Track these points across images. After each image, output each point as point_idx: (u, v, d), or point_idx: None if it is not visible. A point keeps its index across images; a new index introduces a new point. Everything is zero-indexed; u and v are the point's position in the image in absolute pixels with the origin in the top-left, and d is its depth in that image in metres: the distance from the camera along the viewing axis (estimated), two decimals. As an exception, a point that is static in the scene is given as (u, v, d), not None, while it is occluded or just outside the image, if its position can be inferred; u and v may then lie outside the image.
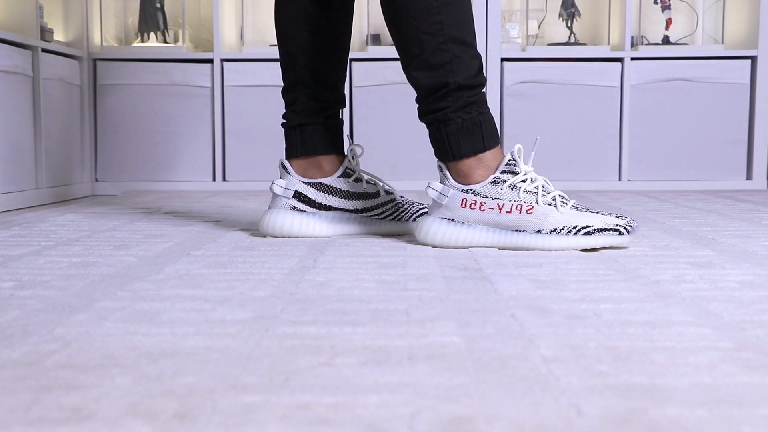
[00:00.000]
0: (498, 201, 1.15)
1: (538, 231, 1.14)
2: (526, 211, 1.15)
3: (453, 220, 1.17)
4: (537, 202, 1.15)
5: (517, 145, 1.18)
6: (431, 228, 1.18)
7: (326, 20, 1.32)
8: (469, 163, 1.17)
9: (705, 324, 0.69)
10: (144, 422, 0.46)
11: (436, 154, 1.21)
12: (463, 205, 1.16)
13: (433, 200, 1.20)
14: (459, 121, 1.17)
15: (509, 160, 1.17)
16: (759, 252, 1.12)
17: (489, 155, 1.18)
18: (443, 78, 1.18)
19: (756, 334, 0.66)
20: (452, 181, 1.18)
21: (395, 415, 0.47)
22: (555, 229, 1.14)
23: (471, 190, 1.16)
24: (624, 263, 1.02)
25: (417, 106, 1.23)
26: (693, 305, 0.77)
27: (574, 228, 1.14)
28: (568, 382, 0.53)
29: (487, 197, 1.16)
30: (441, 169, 1.20)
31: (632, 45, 2.59)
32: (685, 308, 0.76)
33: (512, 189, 1.15)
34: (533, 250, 1.14)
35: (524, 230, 1.15)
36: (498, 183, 1.16)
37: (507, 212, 1.15)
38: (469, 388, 0.52)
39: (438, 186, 1.19)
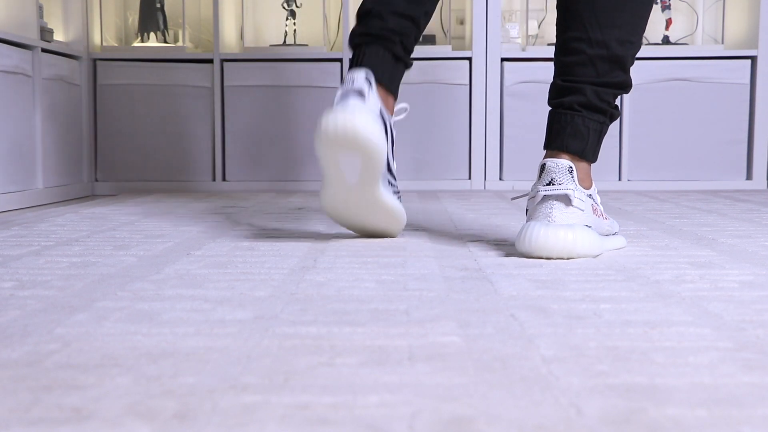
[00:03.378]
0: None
1: None
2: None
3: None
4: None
5: None
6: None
7: None
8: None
9: (705, 324, 0.69)
10: (144, 422, 0.46)
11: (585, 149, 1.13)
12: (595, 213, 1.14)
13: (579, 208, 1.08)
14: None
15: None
16: (759, 252, 1.12)
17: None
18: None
19: (756, 334, 0.66)
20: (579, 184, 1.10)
21: (395, 415, 0.47)
22: None
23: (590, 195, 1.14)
24: (624, 263, 1.02)
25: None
26: (693, 305, 0.77)
27: None
28: (568, 382, 0.53)
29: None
30: (571, 171, 1.09)
31: (632, 45, 2.59)
32: (685, 308, 0.76)
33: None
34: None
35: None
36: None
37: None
38: (469, 388, 0.52)
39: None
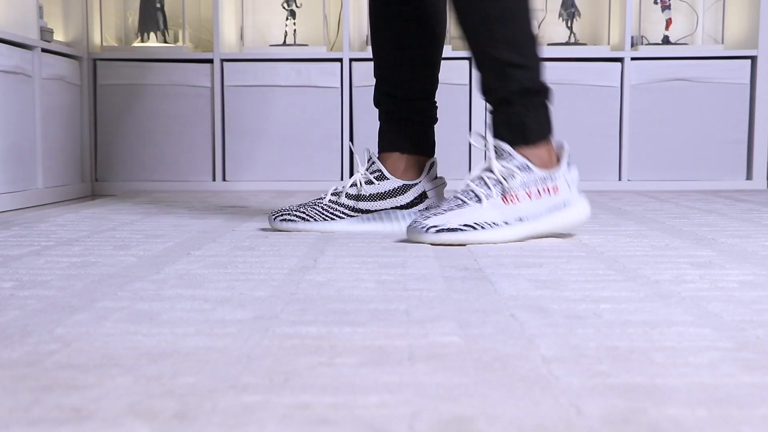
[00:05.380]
0: None
1: None
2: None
3: None
4: None
5: None
6: None
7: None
8: None
9: (705, 324, 0.69)
10: (144, 422, 0.46)
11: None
12: None
13: None
14: None
15: None
16: (759, 252, 1.12)
17: None
18: None
19: (756, 334, 0.66)
20: None
21: (395, 415, 0.47)
22: None
23: None
24: (624, 263, 1.02)
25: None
26: (693, 305, 0.77)
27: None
28: (568, 382, 0.53)
29: None
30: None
31: (632, 45, 2.59)
32: (685, 308, 0.76)
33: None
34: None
35: None
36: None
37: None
38: (469, 388, 0.52)
39: None
